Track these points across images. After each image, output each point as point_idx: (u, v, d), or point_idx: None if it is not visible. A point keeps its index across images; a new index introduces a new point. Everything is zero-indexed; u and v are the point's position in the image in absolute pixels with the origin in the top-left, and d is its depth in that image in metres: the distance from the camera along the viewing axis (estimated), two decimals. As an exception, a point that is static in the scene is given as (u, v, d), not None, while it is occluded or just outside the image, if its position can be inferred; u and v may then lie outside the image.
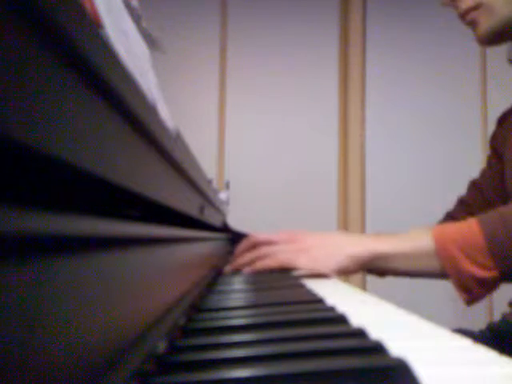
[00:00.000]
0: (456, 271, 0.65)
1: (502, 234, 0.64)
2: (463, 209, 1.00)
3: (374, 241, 0.73)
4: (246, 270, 0.76)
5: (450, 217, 1.02)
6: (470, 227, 0.66)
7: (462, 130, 2.27)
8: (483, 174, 1.00)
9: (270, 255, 0.74)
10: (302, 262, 0.72)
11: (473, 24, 0.81)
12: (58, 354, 0.15)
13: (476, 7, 0.79)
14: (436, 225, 1.01)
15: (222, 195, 1.26)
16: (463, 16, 0.81)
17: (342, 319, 0.37)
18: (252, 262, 0.76)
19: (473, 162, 2.17)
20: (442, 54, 2.30)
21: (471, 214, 0.93)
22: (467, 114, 2.27)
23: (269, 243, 0.77)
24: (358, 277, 2.18)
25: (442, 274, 0.68)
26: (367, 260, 0.70)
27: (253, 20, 2.32)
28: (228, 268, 0.81)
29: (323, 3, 2.33)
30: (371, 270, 0.94)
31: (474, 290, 0.66)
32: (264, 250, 0.76)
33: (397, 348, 0.27)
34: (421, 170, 2.26)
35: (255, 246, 0.79)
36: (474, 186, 0.99)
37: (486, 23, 0.79)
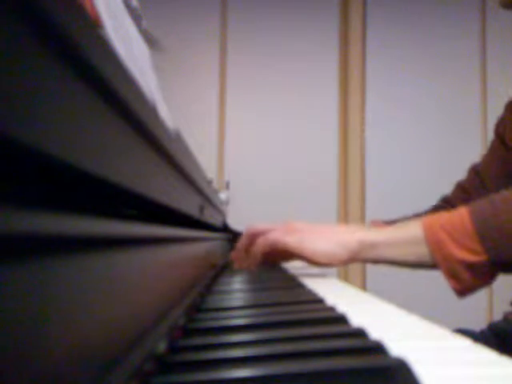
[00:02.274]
0: (443, 256, 0.64)
1: (490, 218, 0.62)
2: (459, 193, 1.00)
3: (364, 231, 0.73)
4: (249, 263, 0.77)
5: (445, 201, 1.02)
6: (459, 214, 0.65)
7: (463, 129, 2.27)
8: (484, 158, 1.00)
9: (262, 239, 0.75)
10: (290, 240, 0.73)
11: None
12: (58, 354, 0.15)
13: None
14: (429, 207, 1.02)
15: (222, 195, 1.26)
16: None
17: (342, 319, 0.37)
18: (250, 251, 0.78)
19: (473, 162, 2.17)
20: (442, 52, 2.30)
21: (467, 198, 0.93)
22: (467, 113, 2.27)
23: (265, 231, 0.78)
24: (358, 277, 2.19)
25: (430, 262, 0.67)
26: (356, 249, 0.70)
27: (253, 19, 2.32)
28: (233, 254, 0.86)
29: (323, 2, 2.33)
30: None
31: (463, 277, 0.64)
32: (259, 240, 0.77)
33: (397, 348, 0.27)
34: (421, 169, 2.26)
35: (254, 235, 0.80)
36: (473, 170, 1.00)
37: None
